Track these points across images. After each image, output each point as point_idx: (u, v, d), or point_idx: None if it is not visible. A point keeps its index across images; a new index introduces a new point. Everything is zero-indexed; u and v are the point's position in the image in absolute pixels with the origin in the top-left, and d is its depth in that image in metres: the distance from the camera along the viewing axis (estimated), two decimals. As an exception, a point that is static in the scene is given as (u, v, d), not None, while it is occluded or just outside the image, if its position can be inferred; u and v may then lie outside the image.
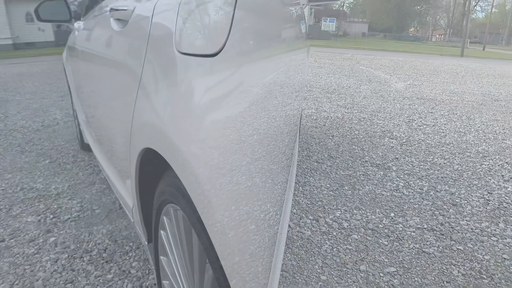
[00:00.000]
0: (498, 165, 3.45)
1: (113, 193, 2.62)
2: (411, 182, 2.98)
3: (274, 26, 0.58)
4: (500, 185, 3.00)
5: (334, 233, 2.21)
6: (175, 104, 0.83)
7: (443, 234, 2.24)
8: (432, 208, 2.57)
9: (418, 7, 68.13)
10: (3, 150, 3.63)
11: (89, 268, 1.85)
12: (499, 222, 2.40)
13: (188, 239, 0.95)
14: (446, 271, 1.91)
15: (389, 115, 5.27)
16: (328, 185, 2.87)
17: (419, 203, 2.64)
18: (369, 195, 2.73)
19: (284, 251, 1.85)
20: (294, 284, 1.77)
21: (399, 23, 64.33)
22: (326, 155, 3.55)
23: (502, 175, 3.21)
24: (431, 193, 2.80)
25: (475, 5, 66.38)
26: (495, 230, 2.31)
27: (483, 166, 3.43)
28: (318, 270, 1.88)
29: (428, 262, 1.97)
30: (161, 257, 1.23)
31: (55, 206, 2.46)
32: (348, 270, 1.89)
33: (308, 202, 2.58)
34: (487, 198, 2.75)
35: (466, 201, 2.69)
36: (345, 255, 2.00)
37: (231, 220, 0.69)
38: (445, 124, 4.91)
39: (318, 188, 2.81)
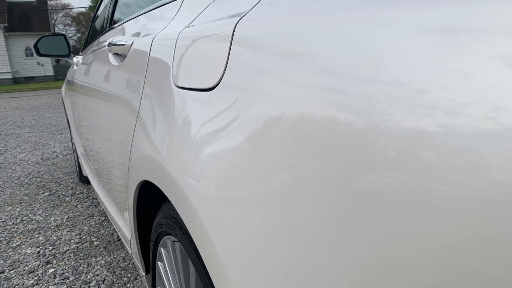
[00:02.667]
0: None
1: (111, 225, 2.62)
2: None
3: (271, 60, 0.59)
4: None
5: None
6: (172, 137, 0.85)
7: None
8: None
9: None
10: (3, 182, 3.63)
11: (87, 302, 1.84)
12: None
13: (185, 271, 0.95)
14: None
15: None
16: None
17: None
18: None
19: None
20: None
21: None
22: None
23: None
24: None
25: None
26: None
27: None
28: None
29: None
30: (159, 289, 1.23)
31: (54, 238, 2.45)
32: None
33: None
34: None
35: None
36: None
37: (228, 251, 0.70)
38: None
39: None
